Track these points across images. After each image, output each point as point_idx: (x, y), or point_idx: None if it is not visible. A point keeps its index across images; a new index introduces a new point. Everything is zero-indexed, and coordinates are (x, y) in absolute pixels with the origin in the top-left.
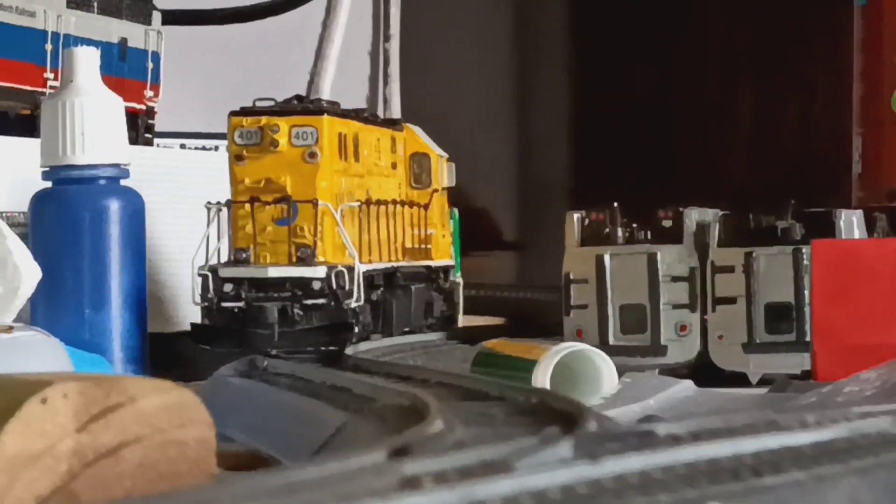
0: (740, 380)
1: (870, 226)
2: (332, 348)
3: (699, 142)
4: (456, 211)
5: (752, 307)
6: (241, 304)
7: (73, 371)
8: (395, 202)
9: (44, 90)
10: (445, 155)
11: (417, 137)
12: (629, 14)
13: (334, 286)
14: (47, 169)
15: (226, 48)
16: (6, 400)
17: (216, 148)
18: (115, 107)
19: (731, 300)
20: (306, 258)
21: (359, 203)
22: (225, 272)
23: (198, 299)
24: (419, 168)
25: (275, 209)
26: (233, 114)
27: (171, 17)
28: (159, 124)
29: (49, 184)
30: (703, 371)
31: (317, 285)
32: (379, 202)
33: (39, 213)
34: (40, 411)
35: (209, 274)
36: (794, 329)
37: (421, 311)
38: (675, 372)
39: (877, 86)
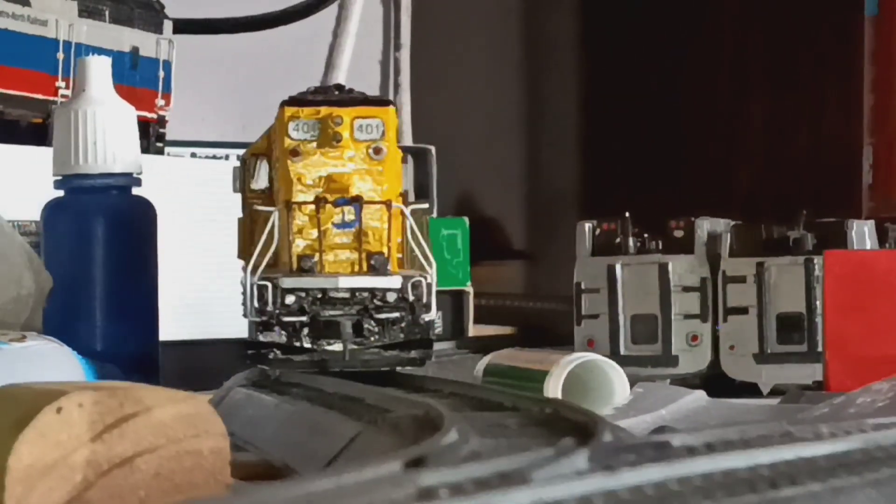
0: (752, 390)
1: (881, 236)
2: (409, 368)
3: (710, 152)
4: (466, 220)
5: (763, 318)
6: (304, 318)
7: (86, 380)
8: None
9: (55, 99)
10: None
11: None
12: (640, 25)
13: (409, 297)
14: (59, 178)
15: (237, 57)
16: (21, 410)
17: (226, 157)
18: (127, 116)
19: (743, 310)
20: (379, 266)
21: (427, 204)
22: (289, 282)
23: (253, 313)
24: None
25: (334, 212)
26: (286, 103)
27: (183, 26)
28: (170, 133)
29: (61, 193)
30: (715, 381)
31: (392, 297)
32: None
33: (51, 222)
34: (55, 421)
35: (269, 284)
36: (806, 340)
37: None
38: (687, 382)
39: (888, 96)
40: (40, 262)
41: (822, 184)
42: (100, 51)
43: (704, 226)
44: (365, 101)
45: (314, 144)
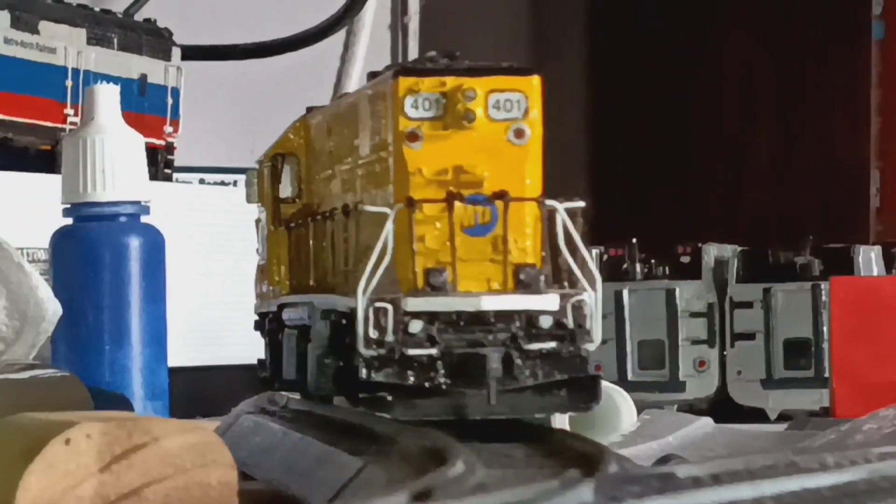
0: (759, 415)
1: (888, 262)
2: (572, 414)
3: (717, 177)
4: None
5: (770, 343)
6: (435, 350)
7: (94, 409)
8: None
9: (64, 126)
10: None
11: None
12: (648, 49)
13: (569, 323)
14: (68, 206)
15: (245, 83)
16: (29, 440)
17: (234, 183)
18: (135, 144)
19: (750, 336)
20: (531, 282)
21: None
22: (415, 304)
23: (366, 345)
24: None
25: (465, 212)
26: (401, 72)
27: (191, 53)
28: (179, 159)
29: (70, 220)
30: (722, 406)
31: (546, 322)
32: None
33: (60, 250)
34: (64, 452)
35: (388, 307)
36: (813, 365)
37: None
38: (694, 407)
39: (895, 120)
40: (48, 289)
41: (829, 208)
42: (108, 78)
43: (711, 251)
44: (503, 69)
45: (440, 126)
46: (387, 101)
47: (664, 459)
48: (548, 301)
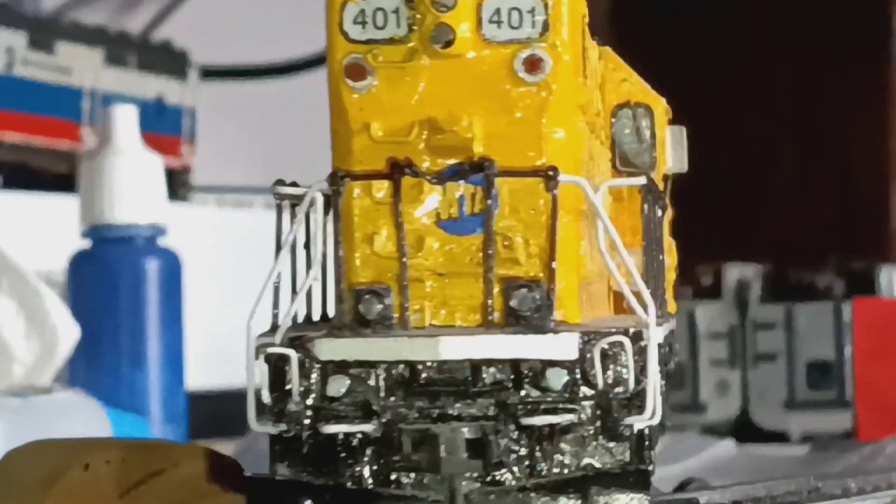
0: (782, 436)
1: None
2: None
3: (739, 197)
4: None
5: (792, 364)
6: (371, 427)
7: (112, 432)
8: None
9: (80, 147)
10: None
11: (630, 74)
12: (668, 68)
13: (597, 380)
14: (86, 228)
15: (261, 102)
16: (48, 467)
17: (251, 204)
18: (153, 166)
19: (772, 357)
20: (531, 313)
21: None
22: (332, 349)
23: (260, 416)
24: (633, 129)
25: (446, 195)
26: None
27: (210, 72)
28: (195, 178)
29: (88, 243)
30: (744, 428)
31: (558, 380)
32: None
33: (78, 272)
34: (83, 478)
35: (293, 355)
36: (836, 387)
37: None
38: (716, 429)
39: None
40: (66, 312)
41: (850, 228)
42: (125, 99)
43: (733, 272)
44: None
45: (400, 54)
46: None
47: (685, 483)
48: (558, 345)
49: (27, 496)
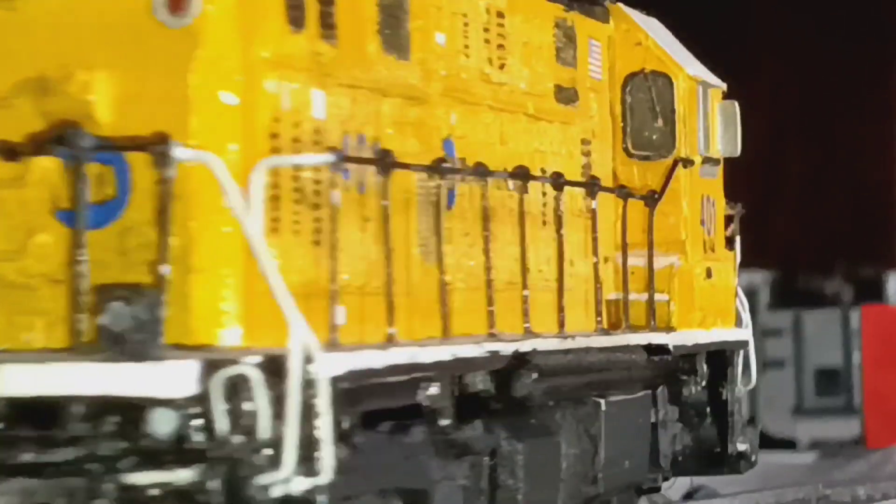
0: (790, 443)
1: None
2: None
3: (746, 203)
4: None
5: (800, 371)
6: None
7: None
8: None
9: None
10: (714, 82)
11: (646, 37)
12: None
13: (220, 425)
14: None
15: None
16: None
17: None
18: None
19: (780, 364)
20: (133, 333)
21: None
22: None
23: None
24: (649, 104)
25: (38, 180)
26: None
27: None
28: None
29: None
30: None
31: (165, 425)
32: (483, 172)
33: None
34: None
35: None
36: (844, 394)
37: (623, 464)
38: None
39: None
40: None
41: (859, 235)
42: None
43: (741, 278)
44: None
45: None
46: None
47: (693, 491)
48: (165, 377)
49: None
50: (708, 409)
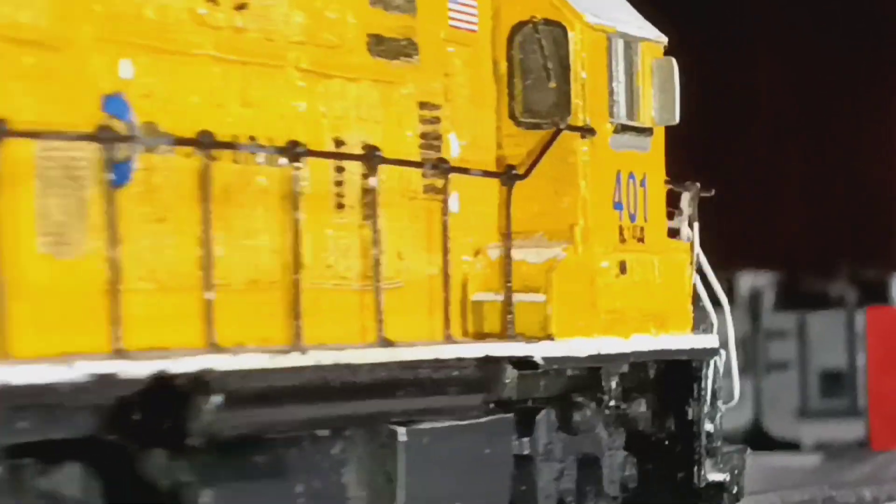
0: (794, 445)
1: None
2: None
3: (751, 207)
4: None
5: (805, 373)
6: None
7: None
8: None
9: None
10: (645, 35)
11: None
12: (679, 74)
13: None
14: None
15: None
16: None
17: None
18: None
19: (784, 365)
20: None
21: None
22: None
23: None
24: (541, 61)
25: None
26: None
27: None
28: None
29: None
30: (757, 437)
31: None
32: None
33: None
34: None
35: None
36: (849, 395)
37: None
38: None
39: None
40: None
41: (863, 237)
42: None
43: (745, 280)
44: None
45: None
46: None
47: None
48: None
49: None
50: (673, 432)
